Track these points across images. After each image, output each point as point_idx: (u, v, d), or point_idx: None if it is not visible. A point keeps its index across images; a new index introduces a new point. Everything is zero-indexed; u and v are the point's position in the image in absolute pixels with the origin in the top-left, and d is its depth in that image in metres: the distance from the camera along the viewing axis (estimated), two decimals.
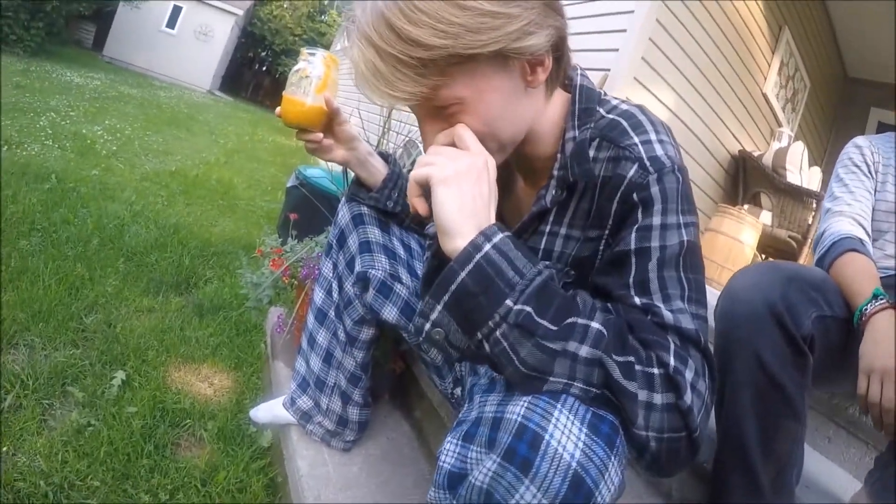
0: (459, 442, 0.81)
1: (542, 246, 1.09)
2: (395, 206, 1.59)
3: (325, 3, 26.78)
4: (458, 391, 1.52)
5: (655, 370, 0.82)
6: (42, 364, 2.11)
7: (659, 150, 0.96)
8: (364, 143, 1.52)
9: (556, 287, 0.86)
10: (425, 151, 1.00)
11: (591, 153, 1.01)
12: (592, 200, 1.01)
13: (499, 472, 0.70)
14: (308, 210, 3.12)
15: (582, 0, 4.44)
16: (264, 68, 31.88)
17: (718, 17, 4.45)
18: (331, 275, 1.71)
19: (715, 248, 4.30)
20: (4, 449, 1.71)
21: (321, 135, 1.42)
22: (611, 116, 1.03)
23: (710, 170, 4.99)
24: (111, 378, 2.14)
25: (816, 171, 4.97)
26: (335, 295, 1.68)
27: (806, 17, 5.76)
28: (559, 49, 0.97)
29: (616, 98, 1.09)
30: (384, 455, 1.84)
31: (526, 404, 0.77)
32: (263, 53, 31.30)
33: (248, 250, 3.22)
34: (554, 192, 1.03)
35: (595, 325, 0.82)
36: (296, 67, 1.35)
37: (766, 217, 4.68)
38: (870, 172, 1.87)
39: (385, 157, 1.60)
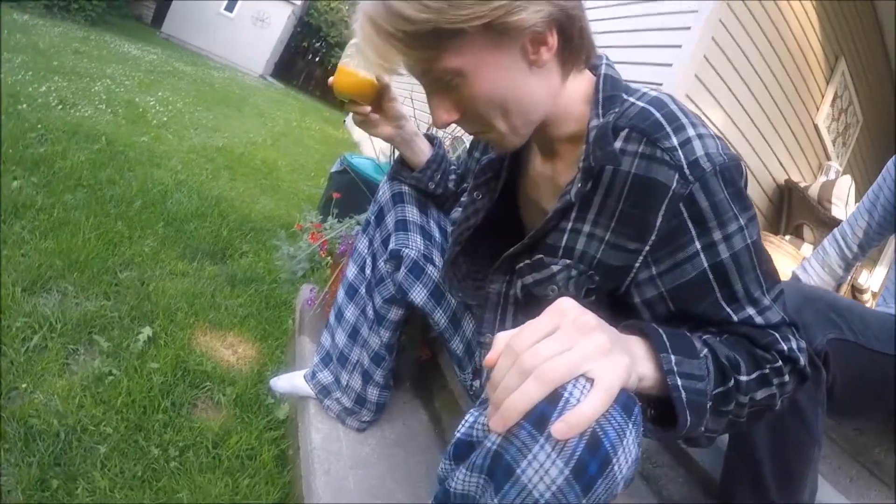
0: (476, 413, 0.79)
1: (563, 244, 1.06)
2: (436, 187, 1.59)
3: None
4: (476, 383, 1.51)
5: (779, 362, 0.93)
6: (72, 311, 2.15)
7: (700, 151, 0.92)
8: (411, 123, 1.52)
9: (716, 356, 0.87)
10: (434, 123, 1.04)
11: (619, 144, 0.97)
12: (620, 199, 0.98)
13: (513, 430, 0.66)
14: (350, 195, 3.13)
15: (637, 14, 4.41)
16: (317, 59, 32.04)
17: (775, 41, 4.37)
18: (366, 251, 1.71)
19: None
20: (24, 385, 1.74)
21: (369, 108, 1.41)
22: (640, 104, 1.00)
23: (755, 196, 4.85)
24: (138, 333, 2.17)
25: None
26: (368, 271, 1.68)
27: (864, 51, 5.60)
28: (566, 28, 0.96)
29: (643, 87, 1.07)
30: (399, 440, 1.83)
31: None
32: (318, 44, 31.48)
33: (287, 229, 3.24)
34: (579, 185, 1.00)
35: (743, 378, 0.88)
36: (354, 40, 1.34)
37: (806, 250, 4.52)
38: (892, 189, 1.86)
39: (431, 139, 1.60)
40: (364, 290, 1.69)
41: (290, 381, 1.87)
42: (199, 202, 3.92)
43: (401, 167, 1.60)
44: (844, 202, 4.54)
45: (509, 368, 0.67)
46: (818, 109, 5.22)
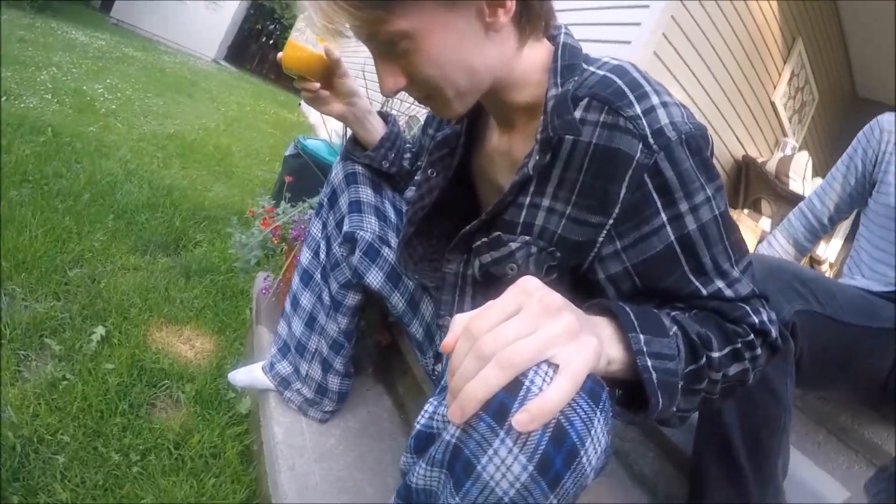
0: (435, 402, 0.75)
1: (522, 219, 1.03)
2: (390, 166, 1.56)
3: None
4: (438, 367, 1.48)
5: (751, 335, 0.91)
6: (21, 314, 2.07)
7: (664, 119, 0.89)
8: (364, 100, 1.48)
9: (686, 333, 0.85)
10: (381, 89, 1.00)
11: (579, 113, 0.94)
12: (581, 171, 0.95)
13: (471, 422, 0.62)
14: (304, 179, 3.07)
15: None
16: (271, 41, 31.62)
17: (733, 19, 4.41)
18: (319, 235, 1.66)
19: None
20: None
21: (318, 84, 1.37)
22: (601, 73, 0.97)
23: None
24: (90, 333, 2.10)
25: (819, 182, 4.95)
26: (322, 256, 1.63)
27: (820, 31, 5.72)
28: None
29: (605, 56, 1.04)
30: (363, 428, 1.80)
31: None
32: (272, 27, 31.06)
33: (240, 216, 3.18)
34: (537, 157, 0.97)
35: (715, 355, 0.86)
36: (304, 13, 1.31)
37: (765, 223, 4.65)
38: (865, 160, 1.84)
39: (384, 116, 1.56)
40: (319, 276, 1.65)
41: (250, 374, 1.83)
42: (151, 192, 3.82)
43: (353, 146, 1.57)
44: (802, 177, 4.67)
45: (467, 353, 0.62)
46: (775, 87, 5.34)
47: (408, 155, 1.60)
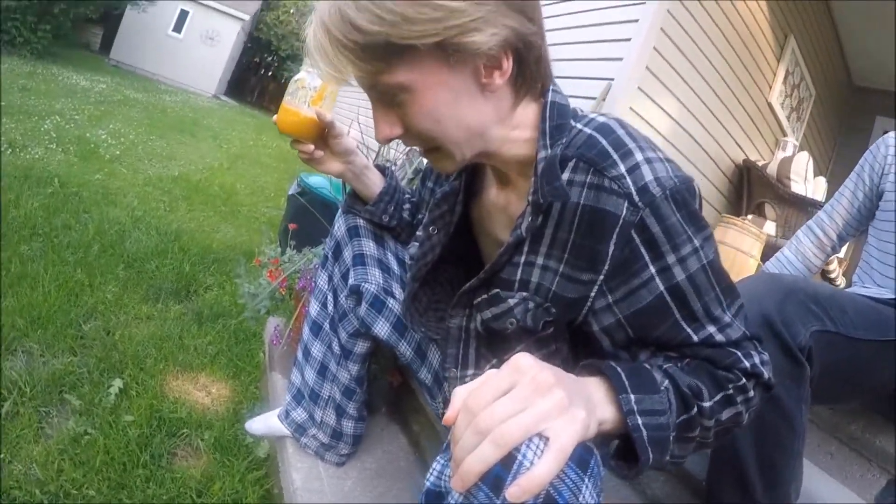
0: (443, 461, 0.80)
1: (518, 277, 1.06)
2: (390, 220, 1.58)
3: None
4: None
5: (742, 380, 0.94)
6: (40, 371, 2.11)
7: (648, 175, 0.92)
8: (361, 156, 1.50)
9: (677, 387, 0.88)
10: (376, 136, 1.03)
11: (566, 175, 0.97)
12: (571, 230, 0.98)
13: (472, 491, 0.67)
14: (309, 218, 3.11)
15: (585, 9, 4.44)
16: (270, 73, 31.91)
17: (723, 25, 4.43)
18: (326, 287, 1.69)
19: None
20: (1, 456, 1.71)
21: (312, 146, 1.39)
22: (587, 131, 1.00)
23: (715, 179, 4.97)
24: (108, 386, 2.14)
25: (822, 182, 4.95)
26: (330, 307, 1.67)
27: (811, 25, 5.73)
28: (523, 55, 0.95)
29: (592, 112, 1.06)
30: (380, 469, 1.83)
31: None
32: (269, 59, 31.33)
33: (248, 257, 3.21)
34: (529, 219, 1.00)
35: (706, 404, 0.89)
36: (296, 76, 1.34)
37: (770, 227, 4.61)
38: (872, 174, 1.86)
39: (382, 170, 1.59)
40: (328, 326, 1.68)
41: (265, 423, 1.86)
42: (159, 239, 3.88)
43: (354, 200, 1.59)
44: (803, 177, 4.63)
45: (467, 427, 0.67)
46: (771, 87, 5.34)
47: (407, 206, 1.62)
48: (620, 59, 3.91)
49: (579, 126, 1.02)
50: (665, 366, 0.93)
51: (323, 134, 1.40)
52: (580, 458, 0.70)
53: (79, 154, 5.50)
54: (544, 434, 0.66)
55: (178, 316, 2.90)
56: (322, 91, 1.33)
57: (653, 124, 4.14)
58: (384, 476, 1.80)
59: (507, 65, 0.94)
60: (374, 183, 1.55)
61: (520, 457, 0.65)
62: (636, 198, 0.91)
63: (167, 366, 2.41)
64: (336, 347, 1.65)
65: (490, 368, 1.09)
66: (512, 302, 1.06)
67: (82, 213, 3.89)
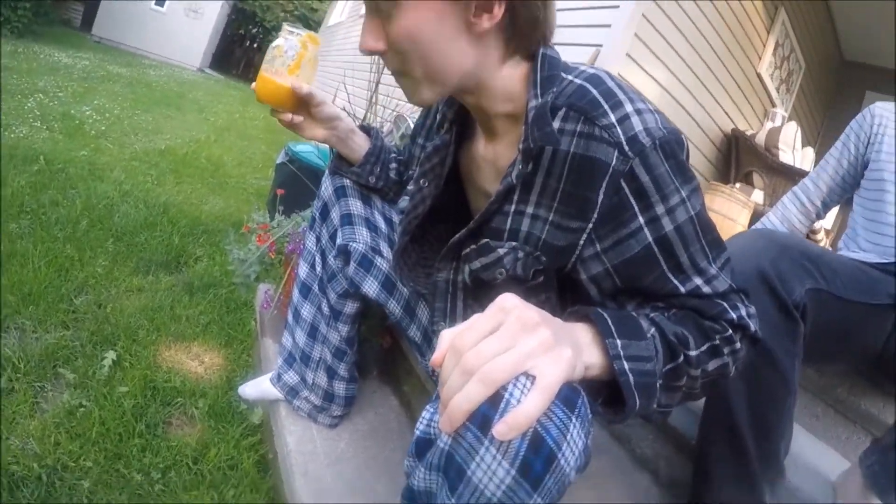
0: (432, 410, 0.81)
1: (508, 226, 1.07)
2: (376, 181, 1.59)
3: None
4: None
5: (729, 331, 0.96)
6: (33, 346, 2.12)
7: (638, 126, 0.93)
8: (346, 120, 1.49)
9: (663, 334, 0.89)
10: (360, 45, 1.05)
11: (557, 124, 0.99)
12: (561, 178, 1.00)
13: (460, 431, 0.69)
14: (297, 186, 3.11)
15: None
16: (255, 45, 31.50)
17: None
18: (314, 248, 1.70)
19: None
20: None
21: (290, 115, 1.38)
22: (578, 82, 1.01)
23: (703, 148, 4.97)
24: (102, 358, 2.15)
25: (810, 152, 4.97)
26: (318, 268, 1.67)
27: None
28: (516, 6, 0.97)
29: (582, 65, 1.07)
30: (372, 430, 1.86)
31: None
32: (254, 30, 30.92)
33: (237, 228, 3.20)
34: (520, 166, 1.01)
35: (692, 353, 0.91)
36: (274, 43, 1.33)
37: (758, 196, 4.67)
38: (857, 143, 1.90)
39: (367, 130, 1.59)
40: (317, 288, 1.69)
41: (258, 387, 1.88)
42: (147, 212, 3.86)
43: (340, 161, 1.59)
44: (791, 147, 4.68)
45: (453, 368, 0.69)
46: (760, 58, 5.35)
47: (394, 165, 1.62)
48: (609, 26, 3.88)
49: (570, 77, 1.03)
50: (652, 314, 0.94)
51: (303, 104, 1.39)
52: (567, 397, 0.71)
53: (64, 131, 5.45)
54: (531, 372, 0.68)
55: (169, 287, 2.91)
56: (299, 59, 1.31)
57: (643, 91, 4.10)
58: (376, 437, 1.83)
59: (498, 11, 0.95)
60: (360, 146, 1.55)
61: (507, 395, 0.67)
62: (626, 147, 0.92)
63: (160, 336, 2.42)
64: (325, 308, 1.66)
65: None
66: (501, 251, 1.08)
67: (69, 189, 3.86)
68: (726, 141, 5.14)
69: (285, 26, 1.33)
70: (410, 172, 1.56)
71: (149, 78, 12.84)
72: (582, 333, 0.84)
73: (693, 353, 0.91)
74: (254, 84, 1.34)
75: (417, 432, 0.81)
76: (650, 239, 0.95)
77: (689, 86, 4.51)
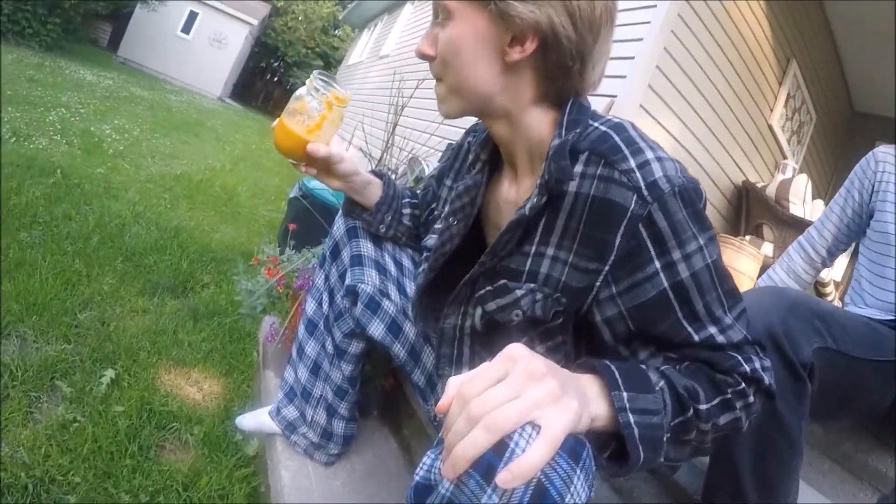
0: (433, 456, 0.80)
1: (527, 268, 1.07)
2: (387, 230, 1.59)
3: (340, 18, 26.93)
4: (440, 415, 1.50)
5: (742, 385, 0.94)
6: (32, 356, 2.11)
7: (658, 172, 0.94)
8: (362, 174, 1.50)
9: (673, 387, 0.89)
10: (417, 47, 1.12)
11: (580, 168, 1.00)
12: (580, 221, 1.00)
13: (463, 478, 0.68)
14: (309, 222, 3.12)
15: None
16: (276, 79, 32.06)
17: (727, 47, 4.44)
18: (323, 286, 1.70)
19: None
20: None
21: (303, 170, 1.39)
22: (602, 129, 1.02)
23: (713, 200, 4.97)
24: (100, 376, 2.14)
25: (820, 204, 4.95)
26: (325, 307, 1.67)
27: (814, 50, 5.73)
28: (549, 44, 1.00)
29: (609, 115, 1.09)
30: (369, 471, 1.83)
31: None
32: (276, 64, 31.50)
33: (246, 258, 3.22)
34: (535, 199, 1.02)
35: (703, 407, 0.90)
36: (298, 91, 1.31)
37: (767, 249, 4.62)
38: (861, 190, 1.86)
39: (380, 175, 1.59)
40: (323, 325, 1.68)
41: (256, 419, 1.86)
42: (158, 234, 3.89)
43: (352, 205, 1.59)
44: (802, 199, 4.62)
45: (459, 415, 0.68)
46: (772, 110, 5.32)
47: (407, 210, 1.62)
48: (624, 77, 3.90)
49: (595, 124, 1.04)
50: (662, 367, 0.95)
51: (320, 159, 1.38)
52: (572, 448, 0.70)
53: (82, 147, 5.51)
54: (536, 422, 0.67)
55: (174, 311, 2.90)
56: (321, 120, 1.30)
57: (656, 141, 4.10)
58: (373, 478, 1.81)
59: (529, 46, 1.00)
60: (374, 194, 1.56)
61: (512, 444, 0.66)
62: (645, 192, 0.93)
63: (160, 359, 2.40)
64: (330, 347, 1.65)
65: None
66: (519, 293, 1.08)
67: (83, 204, 3.89)
68: (737, 193, 5.12)
69: (314, 76, 1.30)
70: (436, 213, 1.52)
71: (170, 103, 13.03)
72: (589, 385, 0.83)
73: (703, 407, 0.90)
74: (273, 123, 1.33)
75: (417, 477, 0.79)
76: (666, 284, 0.95)
77: (700, 137, 4.52)
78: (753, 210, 4.95)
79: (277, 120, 1.32)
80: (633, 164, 0.95)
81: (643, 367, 0.92)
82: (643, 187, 0.93)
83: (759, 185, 4.92)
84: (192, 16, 23.03)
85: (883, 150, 1.84)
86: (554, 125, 1.07)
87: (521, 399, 0.68)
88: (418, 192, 1.66)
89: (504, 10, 0.97)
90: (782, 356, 1.22)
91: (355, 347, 1.64)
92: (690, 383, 0.91)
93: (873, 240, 1.79)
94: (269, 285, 2.30)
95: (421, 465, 0.80)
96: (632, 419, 0.81)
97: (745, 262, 4.21)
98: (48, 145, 5.05)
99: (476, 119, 1.25)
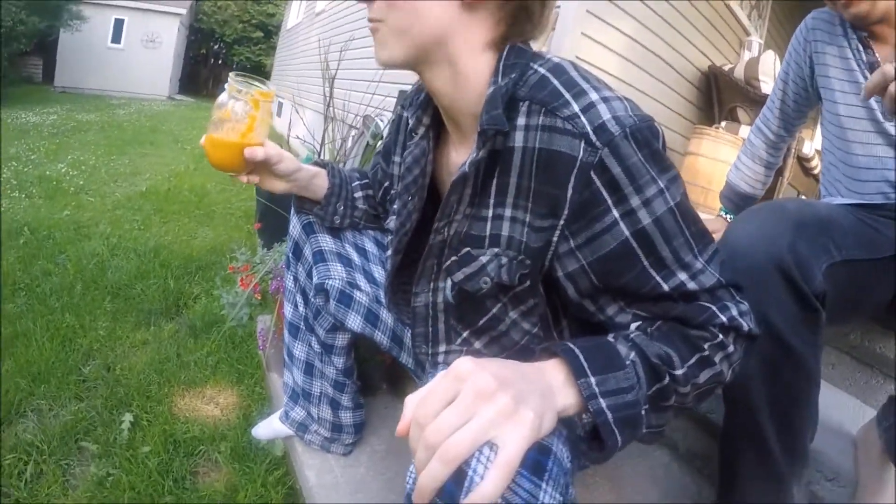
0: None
1: (488, 232, 1.03)
2: (342, 220, 1.55)
3: None
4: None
5: (720, 336, 0.91)
6: (53, 426, 2.15)
7: (605, 114, 0.88)
8: (304, 168, 1.42)
9: (645, 357, 0.86)
10: None
11: (522, 120, 0.95)
12: (531, 177, 0.95)
13: None
14: (277, 216, 3.10)
15: None
16: (220, 61, 31.46)
17: None
18: (294, 287, 1.68)
19: (697, 171, 4.28)
20: None
21: (245, 178, 1.31)
22: (541, 72, 0.97)
23: (683, 90, 4.88)
24: (120, 423, 2.18)
25: None
26: (301, 308, 1.67)
27: None
28: None
29: (550, 55, 1.02)
30: (389, 449, 1.88)
31: None
32: (216, 47, 30.86)
33: (229, 259, 3.22)
34: (474, 154, 0.97)
35: (679, 371, 0.88)
36: (219, 100, 1.22)
37: (745, 132, 4.54)
38: (799, 61, 1.78)
39: (323, 165, 1.53)
40: (304, 326, 1.68)
41: (270, 427, 1.91)
42: (139, 261, 3.90)
43: (302, 201, 1.54)
44: (772, 76, 4.56)
45: (418, 442, 0.68)
46: None
47: (359, 194, 1.58)
48: None
49: (535, 66, 0.99)
50: (633, 335, 0.91)
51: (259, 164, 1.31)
52: (535, 463, 0.70)
53: (43, 194, 5.49)
54: (494, 441, 0.66)
55: (172, 334, 2.93)
56: (252, 122, 1.22)
57: (609, 46, 4.01)
58: (395, 455, 1.85)
59: None
60: (322, 187, 1.50)
61: (470, 472, 0.65)
62: (593, 137, 0.88)
63: (172, 388, 2.45)
64: (316, 346, 1.66)
65: (461, 342, 1.12)
66: (484, 259, 1.05)
67: (58, 254, 3.89)
68: (705, 79, 5.04)
69: (232, 79, 1.22)
70: (392, 192, 1.49)
71: (119, 118, 12.87)
72: (555, 374, 0.80)
73: (679, 371, 0.87)
74: (201, 141, 1.26)
75: (407, 487, 0.81)
76: (627, 233, 0.90)
77: (657, 30, 4.38)
78: (724, 94, 4.92)
79: (204, 137, 1.25)
80: (576, 108, 0.90)
81: (611, 339, 0.89)
82: (590, 132, 0.88)
83: (727, 69, 4.86)
84: (119, 23, 22.52)
85: (813, 17, 1.74)
86: (493, 69, 1.00)
87: (473, 422, 0.66)
88: (367, 171, 1.62)
89: None
90: (794, 288, 1.16)
91: (341, 340, 1.65)
92: (663, 349, 0.88)
93: (829, 122, 1.71)
94: (246, 296, 2.32)
95: (409, 473, 0.82)
96: (603, 404, 0.79)
97: (724, 151, 4.21)
98: (9, 205, 5.02)
99: (406, 87, 1.20)
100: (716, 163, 4.21)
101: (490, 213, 1.03)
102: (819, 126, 1.84)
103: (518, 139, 0.96)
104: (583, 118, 0.89)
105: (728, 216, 2.09)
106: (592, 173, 0.88)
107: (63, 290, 3.31)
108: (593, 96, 0.91)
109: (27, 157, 7.14)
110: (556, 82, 0.94)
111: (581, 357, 0.81)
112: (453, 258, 1.10)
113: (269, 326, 2.32)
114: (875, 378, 1.64)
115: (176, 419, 2.24)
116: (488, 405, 0.67)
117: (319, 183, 1.48)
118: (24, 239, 4.12)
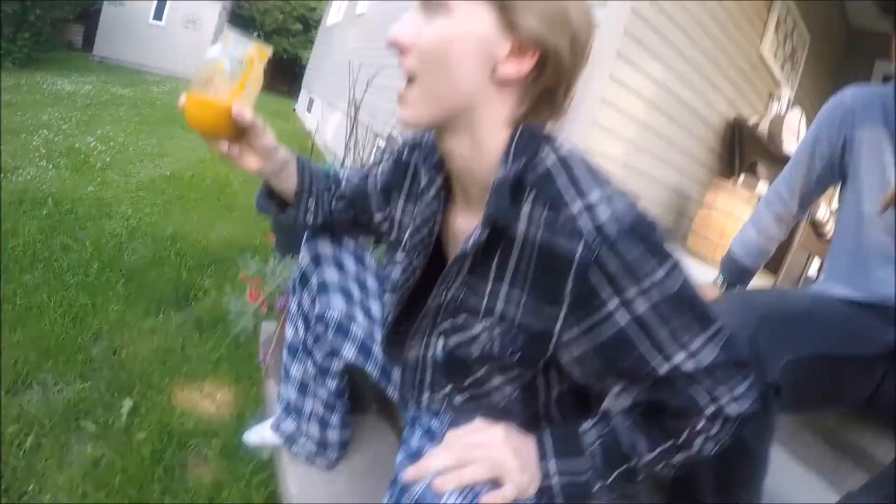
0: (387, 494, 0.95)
1: (485, 304, 1.07)
2: (315, 218, 1.48)
3: None
4: None
5: (702, 423, 1.01)
6: (56, 401, 2.23)
7: (603, 216, 0.91)
8: (282, 151, 1.33)
9: (616, 443, 1.03)
10: (392, 31, 0.99)
11: (526, 208, 0.98)
12: (530, 264, 0.99)
13: None
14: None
15: None
16: None
17: None
18: (297, 312, 1.74)
19: (710, 224, 4.31)
20: (31, 487, 1.83)
21: (226, 147, 1.19)
22: (549, 164, 0.99)
23: (706, 139, 4.84)
24: (119, 407, 2.26)
25: None
26: (301, 332, 1.73)
27: None
28: (547, 62, 0.96)
29: (562, 143, 1.04)
30: (369, 469, 1.94)
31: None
32: (255, 34, 30.94)
33: (247, 254, 3.21)
34: (477, 235, 1.01)
35: (646, 458, 1.03)
36: (210, 54, 1.10)
37: (762, 188, 4.53)
38: (831, 141, 1.68)
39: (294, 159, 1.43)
40: (303, 349, 1.75)
41: (260, 434, 1.99)
42: (155, 247, 3.98)
43: (268, 202, 1.47)
44: (796, 135, 4.51)
45: (447, 444, 0.95)
46: (761, 38, 5.10)
47: (332, 191, 1.51)
48: (597, 27, 3.77)
49: (544, 154, 1.01)
50: (614, 420, 1.05)
51: (243, 130, 1.19)
52: None
53: (70, 167, 5.57)
54: (499, 480, 0.94)
55: (179, 325, 3.00)
56: (244, 79, 1.12)
57: (636, 89, 4.00)
58: (374, 476, 1.92)
59: (527, 63, 0.95)
60: (291, 182, 1.41)
61: (447, 497, 0.85)
62: (593, 237, 0.91)
63: (172, 379, 2.52)
64: (312, 368, 1.74)
65: (442, 396, 1.25)
66: (477, 329, 1.10)
67: (79, 230, 3.97)
68: (729, 130, 5.00)
69: (227, 31, 1.12)
70: (392, 236, 1.42)
71: (152, 96, 12.96)
72: (534, 450, 1.03)
73: (647, 458, 1.02)
74: (181, 101, 1.11)
75: None
76: (623, 322, 0.93)
77: (686, 77, 4.37)
78: (747, 148, 4.89)
79: (184, 96, 1.11)
80: (578, 207, 0.93)
81: (587, 425, 1.05)
82: (590, 232, 0.91)
83: (752, 123, 4.80)
84: (162, 2, 22.71)
85: (853, 95, 1.65)
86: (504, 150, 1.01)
87: (493, 457, 0.96)
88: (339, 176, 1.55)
89: (513, 16, 0.91)
90: None
91: (337, 365, 1.72)
92: (631, 440, 1.02)
93: (848, 212, 1.64)
94: (253, 308, 2.39)
95: (386, 494, 0.97)
96: (555, 481, 1.01)
97: (738, 207, 4.20)
98: (36, 174, 5.09)
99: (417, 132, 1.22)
100: (729, 218, 4.23)
101: (488, 287, 1.07)
102: (836, 202, 1.75)
103: (521, 229, 0.99)
104: (584, 216, 0.92)
105: (723, 286, 2.06)
106: (590, 270, 0.92)
107: (80, 267, 3.38)
108: (594, 197, 0.94)
109: (58, 126, 7.24)
110: (562, 178, 0.97)
111: (550, 442, 1.04)
112: (448, 321, 1.16)
113: (272, 338, 2.39)
114: (845, 465, 1.65)
115: (173, 410, 2.32)
116: (508, 459, 0.96)
117: (289, 175, 1.39)
118: (46, 210, 4.20)
